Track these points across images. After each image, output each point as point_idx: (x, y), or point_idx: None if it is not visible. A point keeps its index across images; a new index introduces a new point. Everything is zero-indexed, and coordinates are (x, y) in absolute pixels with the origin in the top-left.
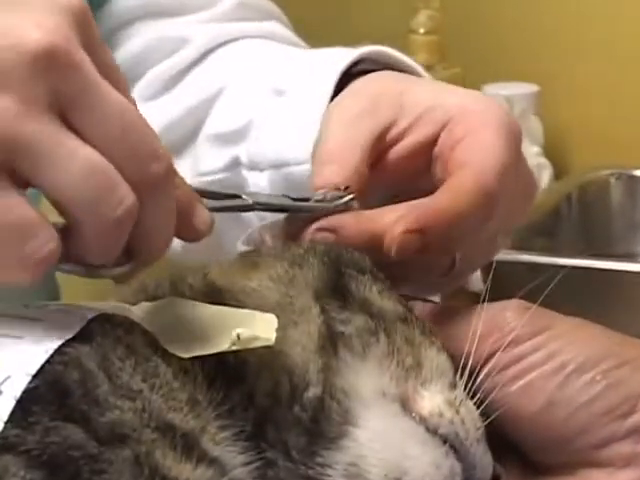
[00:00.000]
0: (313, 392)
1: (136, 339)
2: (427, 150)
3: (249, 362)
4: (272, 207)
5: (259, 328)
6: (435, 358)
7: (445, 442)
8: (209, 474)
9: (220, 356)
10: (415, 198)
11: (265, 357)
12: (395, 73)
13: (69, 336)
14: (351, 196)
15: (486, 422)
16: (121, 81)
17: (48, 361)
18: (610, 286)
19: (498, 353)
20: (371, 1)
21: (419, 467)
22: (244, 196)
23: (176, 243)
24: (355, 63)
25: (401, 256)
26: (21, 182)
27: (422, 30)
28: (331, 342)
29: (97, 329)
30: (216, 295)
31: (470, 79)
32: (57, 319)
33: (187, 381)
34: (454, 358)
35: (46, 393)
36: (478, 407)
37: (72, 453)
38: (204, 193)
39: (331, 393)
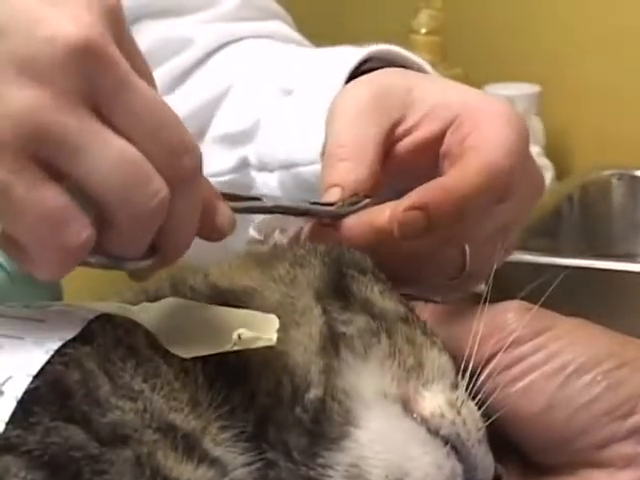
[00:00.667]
0: (314, 393)
1: (137, 340)
2: (433, 147)
3: (250, 363)
4: (291, 210)
5: (260, 328)
6: (436, 359)
7: (446, 443)
8: (210, 475)
9: (221, 356)
10: None
11: (266, 358)
12: (403, 70)
13: (70, 337)
14: (368, 200)
15: (487, 423)
16: (150, 78)
17: (49, 362)
18: (611, 286)
19: (499, 354)
20: (372, 1)
21: (420, 468)
22: (264, 199)
23: None
24: (362, 62)
25: (406, 236)
26: (55, 174)
27: (423, 30)
28: (332, 343)
29: (98, 330)
30: (217, 296)
31: (471, 79)
32: (58, 320)
33: (188, 382)
34: (455, 359)
35: (47, 394)
36: (479, 408)
37: (73, 454)
38: (225, 195)
39: (332, 394)
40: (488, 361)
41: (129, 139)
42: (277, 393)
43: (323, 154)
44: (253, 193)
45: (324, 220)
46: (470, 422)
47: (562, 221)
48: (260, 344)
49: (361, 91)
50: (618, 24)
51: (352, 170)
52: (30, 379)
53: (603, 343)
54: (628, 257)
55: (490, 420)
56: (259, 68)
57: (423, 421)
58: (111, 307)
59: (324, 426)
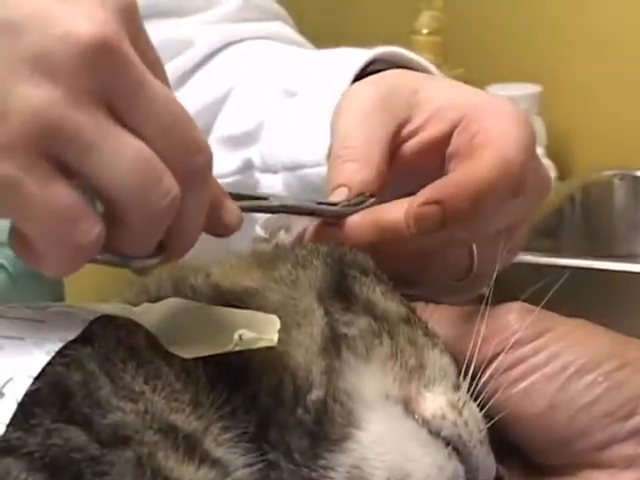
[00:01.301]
0: (316, 394)
1: (138, 340)
2: (439, 148)
3: (252, 363)
4: (297, 210)
5: (261, 329)
6: (438, 360)
7: (448, 444)
8: (212, 475)
9: (223, 357)
10: None
11: (268, 358)
12: (409, 71)
13: (71, 338)
14: (372, 200)
15: (489, 424)
16: (164, 77)
17: (50, 363)
18: (612, 287)
19: (501, 355)
20: (374, 2)
21: (422, 469)
22: (270, 198)
23: None
24: (367, 64)
25: (421, 231)
26: (67, 171)
27: (425, 31)
28: (334, 344)
29: (99, 331)
30: (218, 296)
31: (473, 80)
32: (59, 321)
33: (189, 382)
34: (457, 360)
35: (48, 395)
36: (481, 409)
37: (74, 455)
38: (231, 194)
39: (334, 395)
40: (490, 362)
41: (142, 137)
42: (278, 394)
43: (329, 156)
44: (259, 193)
45: (329, 220)
46: (472, 423)
47: (564, 221)
48: (261, 345)
49: (367, 92)
50: (620, 24)
51: (358, 171)
52: (31, 380)
53: (604, 344)
54: (629, 257)
55: (492, 421)
56: (261, 69)
57: (425, 422)
58: (112, 308)
59: (326, 427)
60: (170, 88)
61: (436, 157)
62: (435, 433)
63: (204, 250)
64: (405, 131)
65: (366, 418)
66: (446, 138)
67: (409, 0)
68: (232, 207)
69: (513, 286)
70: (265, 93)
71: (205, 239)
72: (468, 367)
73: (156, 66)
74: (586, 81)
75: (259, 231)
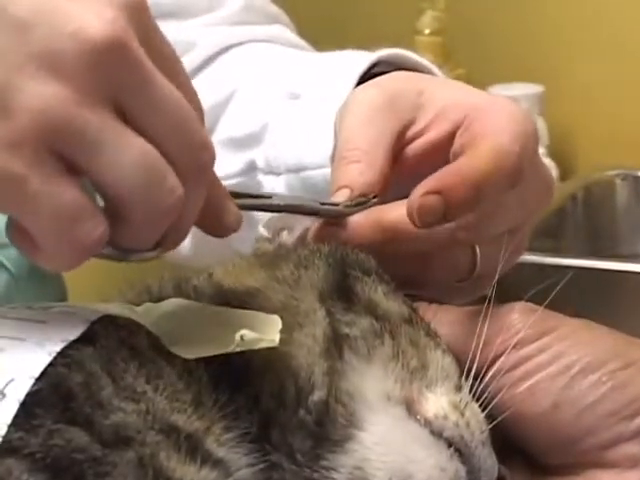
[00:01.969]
0: (318, 395)
1: (140, 341)
2: (443, 148)
3: (254, 364)
4: (301, 209)
5: (263, 329)
6: (440, 360)
7: (450, 445)
8: (213, 475)
9: (225, 357)
10: None
11: (270, 359)
12: (413, 73)
13: (72, 338)
14: (375, 200)
15: (492, 424)
16: (180, 72)
17: (51, 364)
18: (615, 287)
19: (504, 355)
20: (376, 2)
21: (424, 470)
22: (274, 197)
23: (185, 247)
24: (371, 66)
25: (425, 224)
26: (74, 169)
27: (427, 31)
28: (336, 344)
29: (101, 331)
30: (220, 296)
31: (475, 80)
32: (60, 321)
33: (191, 382)
34: (460, 360)
35: (49, 396)
36: (484, 409)
37: (76, 456)
38: (235, 193)
39: (336, 396)
40: (493, 362)
41: (147, 137)
42: (281, 395)
43: (332, 158)
44: (262, 192)
45: (331, 220)
46: (474, 424)
47: (566, 221)
48: (263, 345)
49: (372, 94)
50: (622, 24)
51: (362, 172)
52: (32, 381)
53: (608, 344)
54: (632, 257)
55: (495, 421)
56: (264, 72)
57: (426, 423)
58: (114, 308)
59: (328, 428)
60: (188, 80)
61: (440, 158)
62: (437, 434)
63: (206, 251)
64: (410, 133)
65: (368, 419)
66: (450, 139)
67: (411, 0)
68: (233, 208)
69: (515, 286)
70: (268, 95)
71: (209, 241)
72: (471, 367)
73: (170, 62)
74: (588, 81)
75: (262, 231)
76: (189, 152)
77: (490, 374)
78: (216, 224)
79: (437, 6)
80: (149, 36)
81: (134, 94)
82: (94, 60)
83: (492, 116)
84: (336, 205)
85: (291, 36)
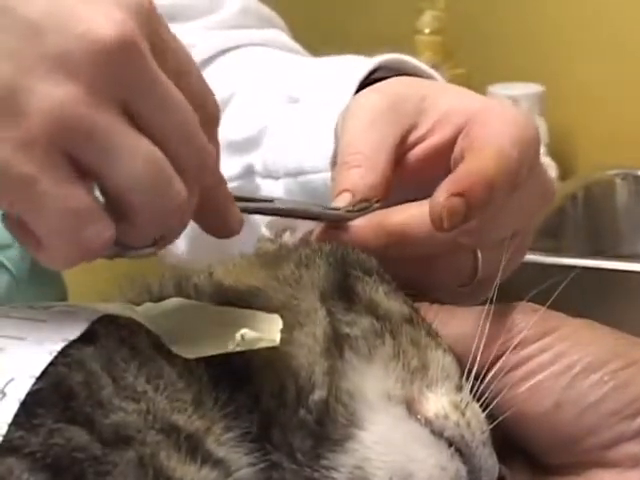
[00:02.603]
0: (318, 395)
1: (140, 340)
2: (445, 153)
3: (254, 363)
4: (303, 214)
5: (263, 329)
6: (441, 360)
7: (451, 445)
8: (214, 475)
9: (225, 357)
10: None
11: (270, 359)
12: (416, 78)
13: (73, 337)
14: (377, 205)
15: (494, 424)
16: (192, 72)
17: (52, 363)
18: (616, 286)
19: (506, 354)
20: (376, 2)
21: (425, 469)
22: (276, 201)
23: (180, 248)
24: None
25: (453, 226)
26: (82, 171)
27: (427, 30)
28: (337, 344)
29: (101, 330)
30: (221, 295)
31: (475, 79)
32: (61, 320)
33: (192, 382)
34: (462, 359)
35: (50, 395)
36: (486, 408)
37: (76, 455)
38: (237, 197)
39: (336, 396)
40: (495, 362)
41: (154, 138)
42: (281, 394)
43: (333, 162)
44: (265, 196)
45: (333, 224)
46: (474, 424)
47: (566, 221)
48: (263, 344)
49: (374, 99)
50: (622, 24)
51: (364, 176)
52: (33, 380)
53: (609, 343)
54: (633, 257)
55: (497, 421)
56: (262, 76)
57: (427, 423)
58: (114, 308)
59: (328, 428)
60: (200, 79)
61: (442, 163)
62: (438, 433)
63: (201, 252)
64: (412, 138)
65: (368, 418)
66: (452, 143)
67: (411, 0)
68: (236, 210)
69: (516, 286)
70: (267, 99)
71: (203, 243)
72: (472, 367)
73: (179, 62)
74: (588, 81)
75: (264, 231)
76: (191, 154)
77: (491, 374)
78: (220, 226)
79: (437, 5)
80: (159, 38)
81: (142, 94)
82: (103, 60)
83: (493, 121)
84: (338, 210)
85: (286, 40)
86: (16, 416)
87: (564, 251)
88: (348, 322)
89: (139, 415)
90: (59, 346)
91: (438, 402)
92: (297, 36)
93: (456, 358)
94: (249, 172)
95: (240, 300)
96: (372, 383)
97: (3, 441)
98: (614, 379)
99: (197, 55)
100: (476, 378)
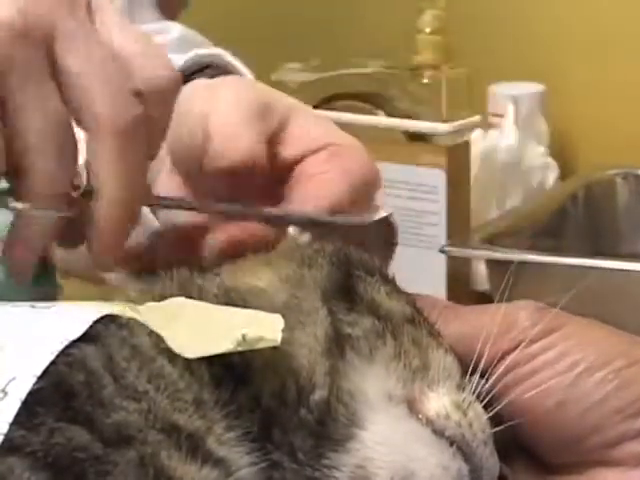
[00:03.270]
0: (319, 394)
1: (142, 340)
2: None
3: (255, 363)
4: (306, 220)
5: (265, 328)
6: (442, 360)
7: (452, 444)
8: (214, 475)
9: (226, 356)
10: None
11: (271, 358)
12: (255, 81)
13: (74, 337)
14: (383, 212)
15: (500, 428)
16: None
17: (53, 362)
18: (617, 286)
19: (510, 353)
20: (377, 1)
21: (426, 469)
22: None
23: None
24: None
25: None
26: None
27: (428, 30)
28: (338, 344)
29: (102, 330)
30: (224, 295)
31: (476, 79)
32: (62, 320)
33: (193, 381)
34: (466, 358)
35: (51, 394)
36: (489, 407)
37: (77, 454)
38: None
39: (338, 395)
40: (499, 361)
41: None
42: (282, 394)
43: None
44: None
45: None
46: (476, 424)
47: (567, 220)
48: (264, 344)
49: (237, 97)
50: (623, 23)
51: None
52: (34, 380)
53: (612, 342)
54: (634, 257)
55: (499, 421)
56: None
57: (428, 422)
58: (115, 307)
59: (329, 427)
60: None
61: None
62: (439, 433)
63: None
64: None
65: (369, 418)
66: (296, 163)
67: None
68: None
69: (519, 286)
70: None
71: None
72: (476, 366)
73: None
74: (589, 80)
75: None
76: (148, 69)
77: (496, 373)
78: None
79: (437, 5)
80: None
81: (65, 38)
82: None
83: (343, 154)
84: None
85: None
86: (17, 415)
87: (565, 251)
88: (350, 322)
89: (140, 415)
90: (60, 345)
91: (439, 401)
92: (296, 37)
93: (458, 357)
94: None
95: (242, 300)
96: (373, 383)
97: (4, 440)
98: (618, 378)
99: None
100: (481, 377)
